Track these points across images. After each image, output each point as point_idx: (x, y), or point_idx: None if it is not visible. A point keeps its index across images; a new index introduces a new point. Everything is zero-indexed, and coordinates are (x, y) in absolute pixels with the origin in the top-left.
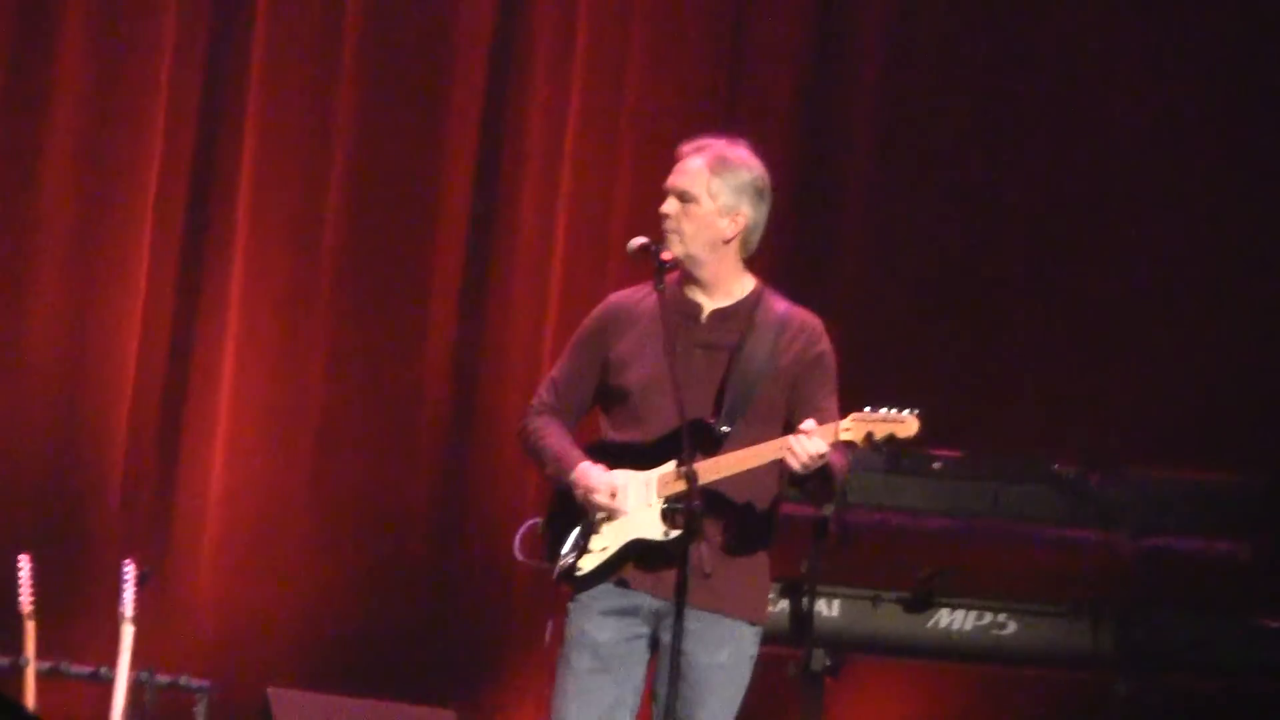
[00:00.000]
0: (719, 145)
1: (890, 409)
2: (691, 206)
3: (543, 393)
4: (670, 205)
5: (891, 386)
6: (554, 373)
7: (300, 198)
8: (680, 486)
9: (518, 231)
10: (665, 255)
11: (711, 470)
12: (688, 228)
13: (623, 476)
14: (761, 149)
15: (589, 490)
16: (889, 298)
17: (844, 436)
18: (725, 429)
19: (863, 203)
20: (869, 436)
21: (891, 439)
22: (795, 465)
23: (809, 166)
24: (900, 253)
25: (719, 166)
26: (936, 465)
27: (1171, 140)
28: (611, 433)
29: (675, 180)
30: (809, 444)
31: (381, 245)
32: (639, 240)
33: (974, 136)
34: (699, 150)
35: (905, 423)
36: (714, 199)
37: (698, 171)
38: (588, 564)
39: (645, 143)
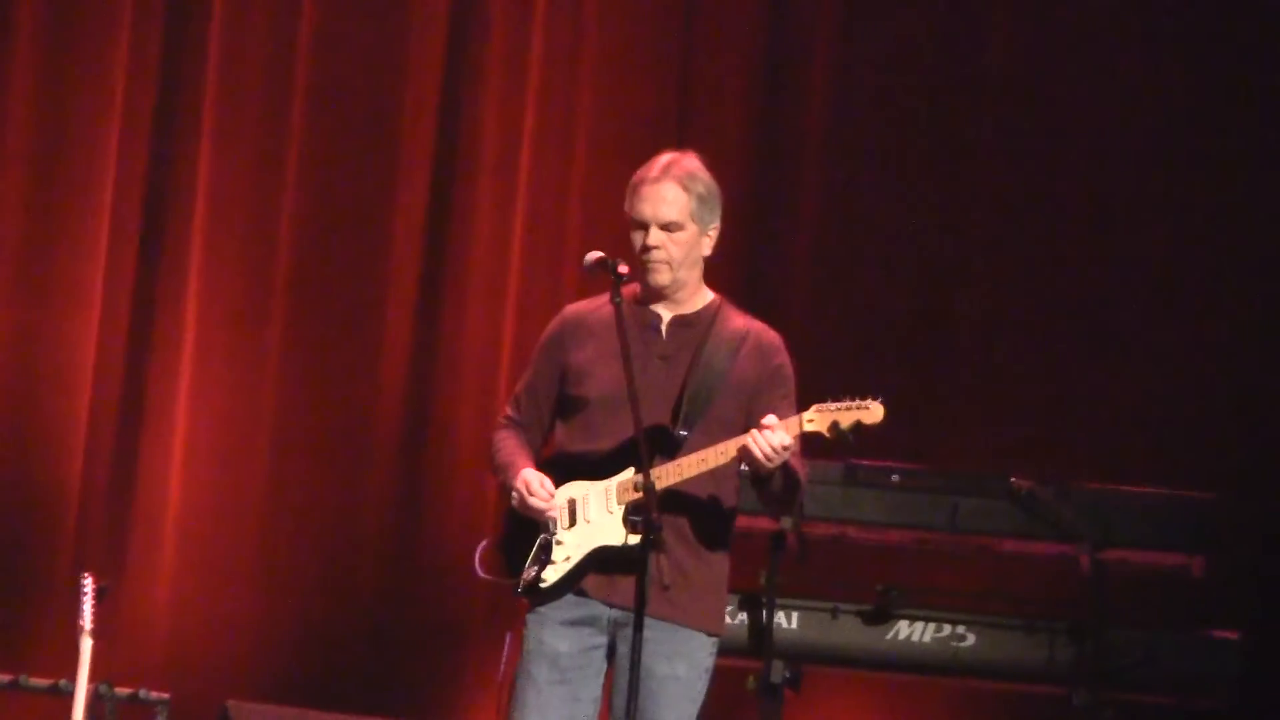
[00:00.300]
0: (683, 163)
1: (853, 398)
2: (677, 234)
3: (507, 408)
4: (655, 237)
5: (845, 395)
6: (517, 388)
7: (254, 215)
8: (639, 494)
9: (473, 247)
10: (622, 269)
11: (673, 473)
12: (677, 255)
13: (582, 488)
14: (712, 165)
15: (522, 492)
16: (844, 312)
17: (808, 428)
18: (683, 433)
19: (816, 213)
20: (834, 425)
21: (858, 426)
22: (758, 456)
23: (761, 180)
24: (855, 266)
25: (693, 186)
26: (895, 479)
27: (1123, 163)
28: (569, 444)
29: (656, 211)
30: (772, 436)
31: (336, 259)
32: (595, 254)
33: (928, 150)
34: (667, 174)
35: (870, 409)
36: (696, 221)
37: (675, 198)
38: (552, 575)
39: (599, 156)
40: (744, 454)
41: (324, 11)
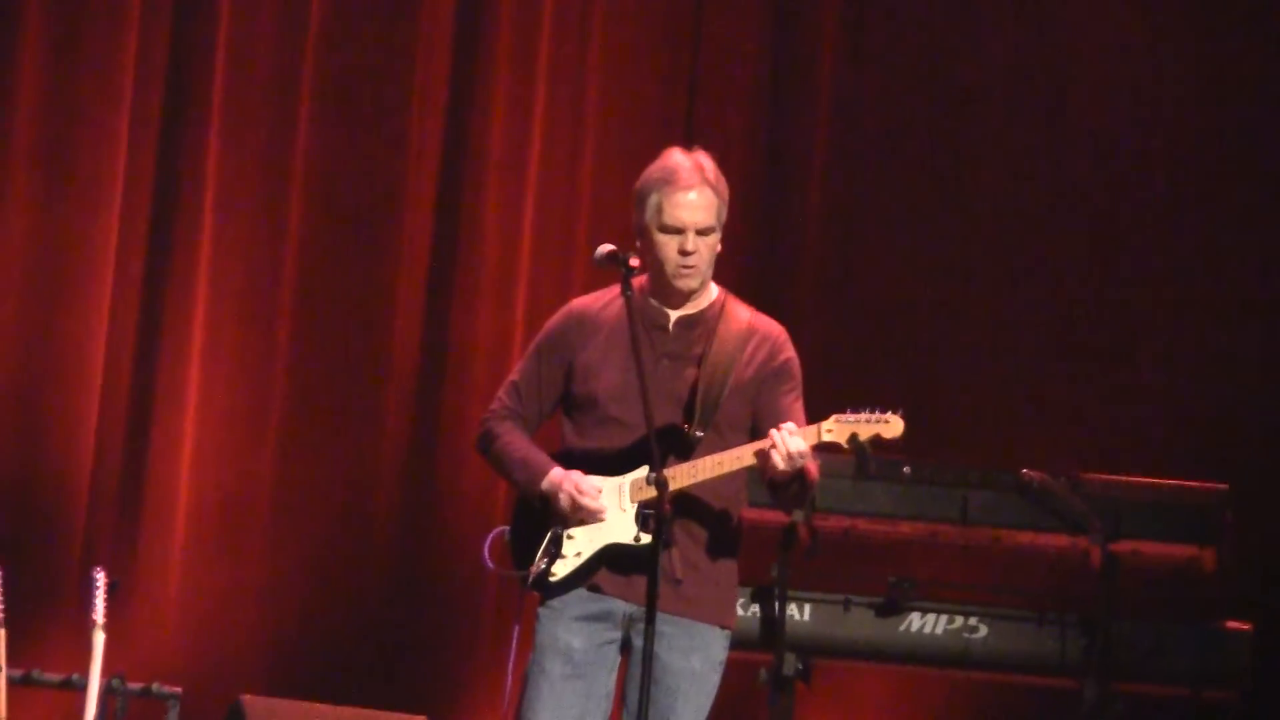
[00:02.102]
0: (707, 165)
1: (873, 409)
2: (710, 238)
3: (504, 396)
4: (691, 243)
5: (857, 393)
6: (515, 376)
7: (263, 208)
8: (653, 493)
9: (482, 239)
10: (633, 262)
11: (688, 474)
12: (707, 257)
13: (596, 482)
14: (720, 157)
15: (574, 494)
16: (854, 303)
17: (826, 438)
18: (699, 434)
19: (824, 204)
20: (853, 438)
21: (877, 440)
22: (780, 464)
23: (769, 171)
24: (864, 257)
25: (721, 188)
26: (906, 471)
27: (1139, 149)
28: (578, 440)
29: (696, 218)
30: (791, 441)
31: (345, 250)
32: (606, 248)
33: (937, 143)
34: (701, 179)
35: (890, 423)
36: (720, 222)
37: (710, 202)
38: (561, 570)
39: (608, 148)
40: (760, 459)
41: (331, 6)
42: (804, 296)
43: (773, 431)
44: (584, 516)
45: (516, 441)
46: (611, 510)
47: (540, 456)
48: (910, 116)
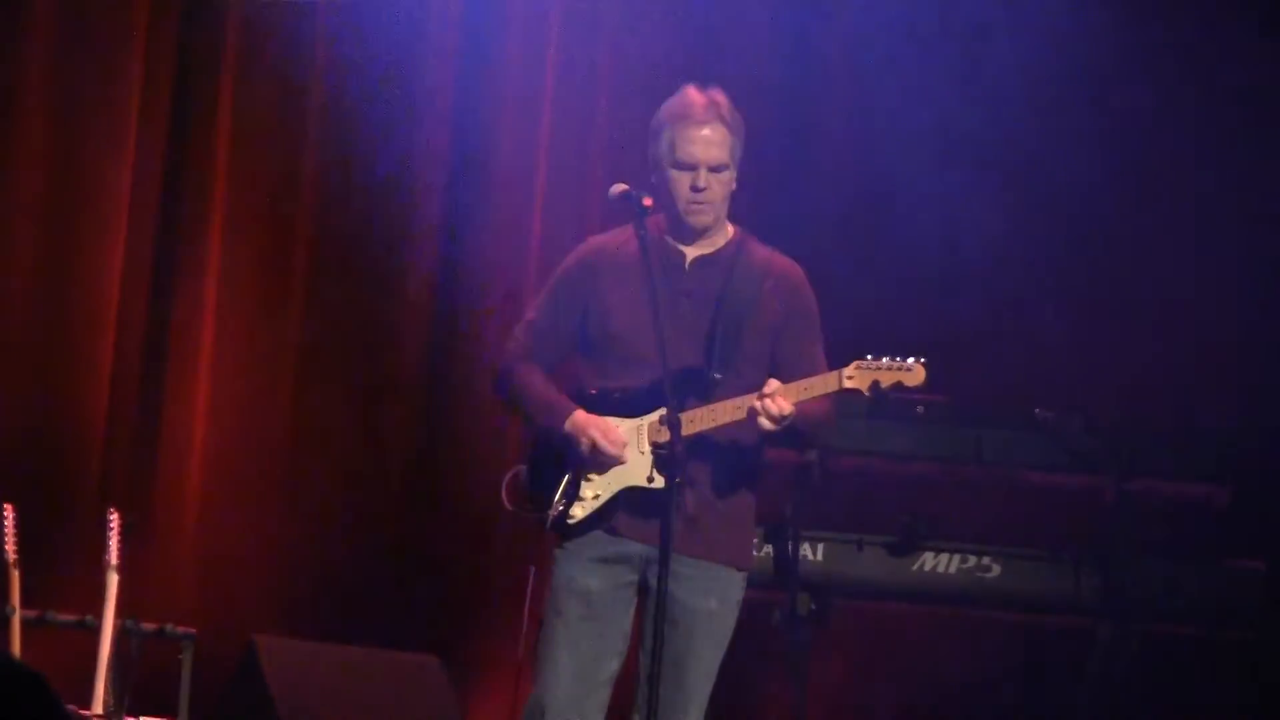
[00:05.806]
0: (721, 101)
1: (894, 357)
2: (722, 174)
3: (521, 335)
4: (704, 179)
5: (875, 334)
6: (532, 315)
7: (279, 146)
8: (669, 434)
9: (495, 176)
10: (646, 201)
11: (707, 418)
12: (720, 194)
13: (614, 424)
14: (744, 91)
15: (598, 441)
16: (868, 243)
17: (848, 384)
18: (718, 375)
19: (840, 145)
20: (875, 385)
21: (898, 387)
22: (767, 425)
23: (786, 111)
24: (879, 196)
25: (736, 125)
26: (919, 410)
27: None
28: (595, 379)
29: (707, 154)
30: (774, 407)
31: (360, 182)
32: (620, 187)
33: (950, 79)
34: (713, 114)
35: (912, 370)
36: (734, 160)
37: (723, 139)
38: (580, 512)
39: (623, 85)
40: (750, 416)
41: None
42: (822, 229)
43: (756, 402)
44: (605, 462)
45: (536, 382)
46: (630, 452)
47: (562, 398)
48: (927, 37)
